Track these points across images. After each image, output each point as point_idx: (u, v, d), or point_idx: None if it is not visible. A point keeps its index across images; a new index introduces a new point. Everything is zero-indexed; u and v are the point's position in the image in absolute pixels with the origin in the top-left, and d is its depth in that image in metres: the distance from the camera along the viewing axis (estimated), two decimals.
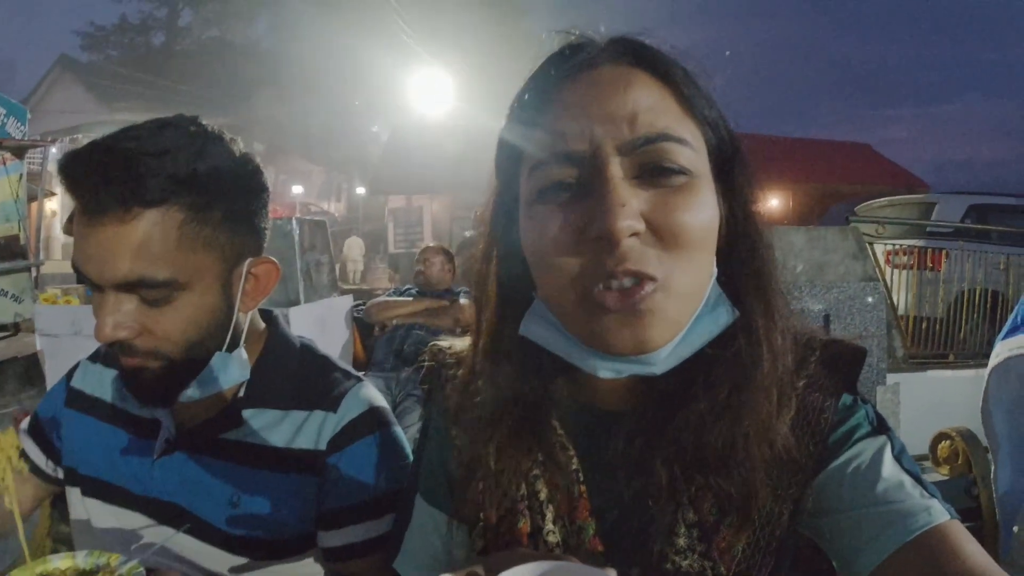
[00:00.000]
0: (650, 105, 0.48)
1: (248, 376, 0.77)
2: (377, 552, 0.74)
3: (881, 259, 4.31)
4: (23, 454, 0.89)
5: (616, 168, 0.47)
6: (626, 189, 0.46)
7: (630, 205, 0.46)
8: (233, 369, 0.74)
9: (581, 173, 0.48)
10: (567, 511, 0.56)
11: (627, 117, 0.48)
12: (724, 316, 0.51)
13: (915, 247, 5.02)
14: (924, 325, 4.70)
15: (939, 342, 4.64)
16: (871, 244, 3.92)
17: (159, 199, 0.66)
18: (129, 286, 0.67)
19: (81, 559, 0.67)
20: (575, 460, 0.56)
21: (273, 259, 0.77)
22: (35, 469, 0.90)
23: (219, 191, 0.70)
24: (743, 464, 0.50)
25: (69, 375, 0.92)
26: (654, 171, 0.48)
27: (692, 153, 0.49)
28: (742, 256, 0.53)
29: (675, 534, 0.52)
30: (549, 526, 0.56)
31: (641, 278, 0.46)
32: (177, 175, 0.66)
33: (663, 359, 0.48)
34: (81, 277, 0.69)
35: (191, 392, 0.72)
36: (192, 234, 0.68)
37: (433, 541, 0.63)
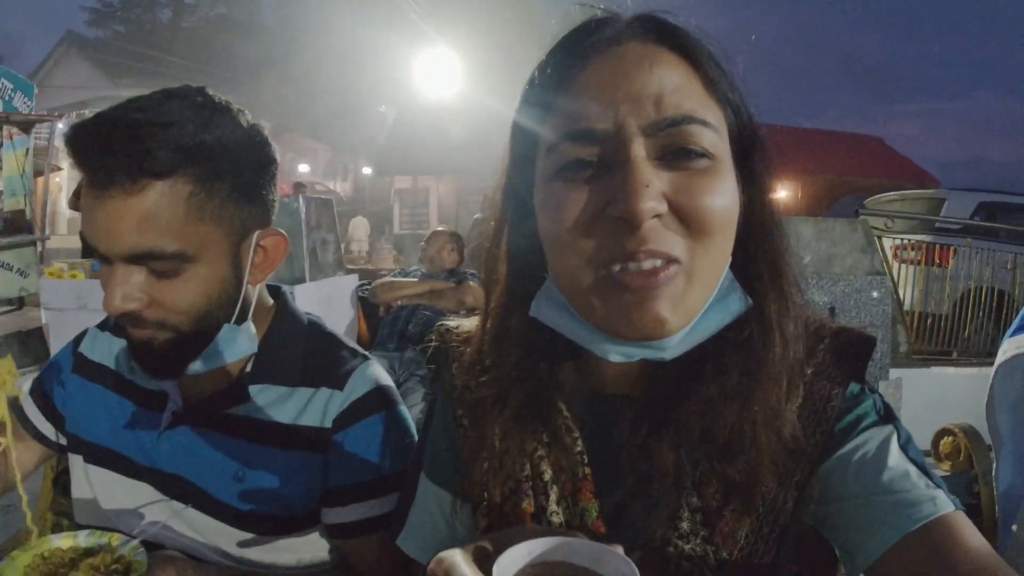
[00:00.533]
0: (676, 85, 0.47)
1: (256, 349, 0.77)
2: (381, 530, 0.75)
3: (889, 253, 4.29)
4: (24, 418, 0.90)
5: (639, 148, 0.46)
6: (649, 170, 0.46)
7: (653, 186, 0.45)
8: (242, 341, 0.74)
9: (603, 152, 0.47)
10: (571, 492, 0.56)
11: (653, 97, 0.47)
12: (736, 304, 0.50)
13: (923, 243, 5.00)
14: (929, 321, 4.70)
15: (943, 339, 4.64)
16: (879, 238, 3.90)
17: (167, 170, 0.65)
18: (137, 258, 0.66)
19: (82, 539, 0.67)
20: (580, 442, 0.56)
21: (282, 232, 0.77)
22: (35, 432, 0.90)
23: (227, 162, 0.69)
24: (749, 451, 0.50)
25: (77, 341, 0.92)
26: (678, 153, 0.47)
27: (716, 136, 0.48)
28: (758, 244, 0.52)
29: (678, 518, 0.52)
30: (552, 507, 0.56)
31: (664, 260, 0.46)
32: (184, 146, 0.65)
33: (674, 344, 0.48)
34: (89, 250, 0.68)
35: (199, 364, 0.72)
36: (200, 206, 0.67)
37: (437, 519, 0.63)
